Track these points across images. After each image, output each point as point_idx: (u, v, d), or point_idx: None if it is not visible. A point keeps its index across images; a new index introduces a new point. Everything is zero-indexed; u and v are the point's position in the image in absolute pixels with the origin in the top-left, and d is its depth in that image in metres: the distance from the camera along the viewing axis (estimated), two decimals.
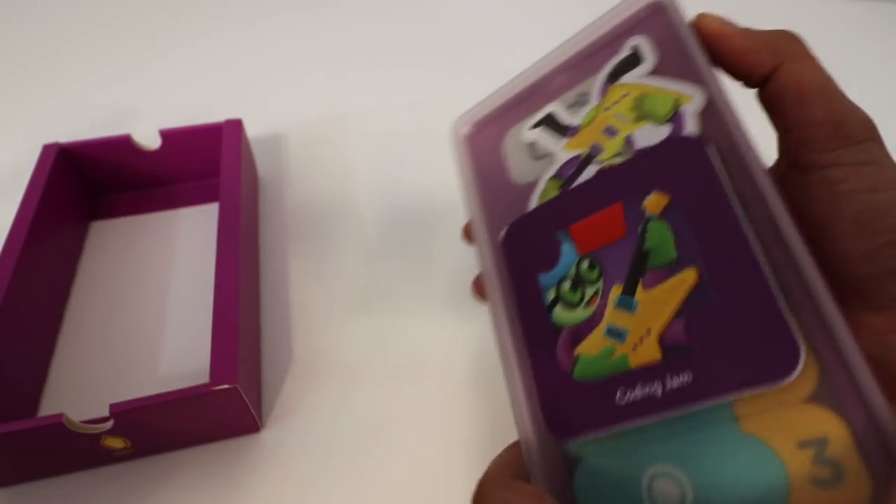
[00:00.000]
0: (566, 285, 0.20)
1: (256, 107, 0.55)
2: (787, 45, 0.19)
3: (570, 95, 0.22)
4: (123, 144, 0.43)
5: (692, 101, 0.20)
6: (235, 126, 0.44)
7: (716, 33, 0.19)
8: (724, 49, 0.19)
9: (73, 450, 0.30)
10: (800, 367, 0.15)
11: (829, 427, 0.15)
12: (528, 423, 0.19)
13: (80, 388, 0.35)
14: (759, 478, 0.15)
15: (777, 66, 0.18)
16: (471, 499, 0.18)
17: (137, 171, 0.45)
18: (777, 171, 0.20)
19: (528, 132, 0.23)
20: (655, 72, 0.20)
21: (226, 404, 0.30)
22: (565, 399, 0.19)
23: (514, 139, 0.24)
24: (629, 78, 0.21)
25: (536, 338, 0.20)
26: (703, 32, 0.19)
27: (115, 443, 0.30)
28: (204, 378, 0.29)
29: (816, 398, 0.15)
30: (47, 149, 0.41)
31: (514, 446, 0.20)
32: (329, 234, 0.44)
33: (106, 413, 0.28)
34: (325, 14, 0.68)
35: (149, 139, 0.43)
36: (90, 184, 0.45)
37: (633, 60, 0.21)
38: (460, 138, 0.26)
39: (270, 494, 0.31)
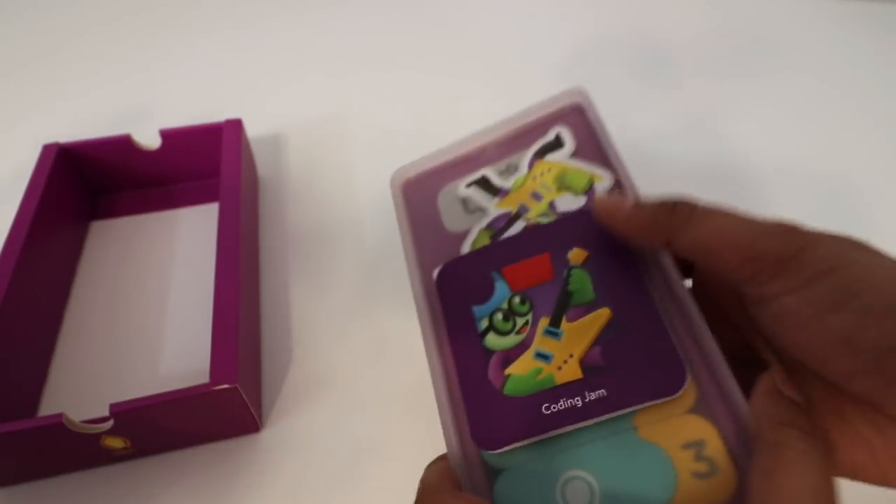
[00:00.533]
0: (499, 316, 0.24)
1: (256, 107, 0.55)
2: (669, 219, 0.20)
3: (502, 164, 0.28)
4: (123, 144, 0.43)
5: (603, 182, 0.25)
6: (235, 126, 0.44)
7: (608, 216, 0.22)
8: (619, 230, 0.22)
9: (73, 450, 0.30)
10: (685, 385, 0.20)
11: (706, 433, 0.20)
12: (453, 436, 0.22)
13: (80, 388, 0.35)
14: (654, 473, 0.20)
15: (670, 239, 0.20)
16: None
17: (137, 171, 0.45)
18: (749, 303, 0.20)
19: (463, 189, 0.28)
20: (575, 154, 0.27)
21: (226, 404, 0.30)
22: (495, 412, 0.22)
23: (448, 194, 0.28)
24: (553, 157, 0.27)
25: (468, 360, 0.24)
26: (599, 214, 0.22)
27: (115, 443, 0.30)
28: (204, 378, 0.29)
29: (696, 410, 0.20)
30: (47, 149, 0.41)
31: (443, 462, 0.21)
32: (329, 233, 0.44)
33: (106, 413, 0.28)
34: (326, 14, 0.68)
35: (149, 139, 0.43)
36: (90, 184, 0.45)
37: (557, 144, 0.27)
38: (398, 187, 0.29)
39: (270, 494, 0.31)
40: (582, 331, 0.23)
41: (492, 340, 0.24)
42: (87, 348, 0.37)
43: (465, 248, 0.26)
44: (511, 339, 0.23)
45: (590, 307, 0.23)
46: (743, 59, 0.60)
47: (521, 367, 0.23)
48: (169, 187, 0.47)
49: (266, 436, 0.33)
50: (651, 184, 0.47)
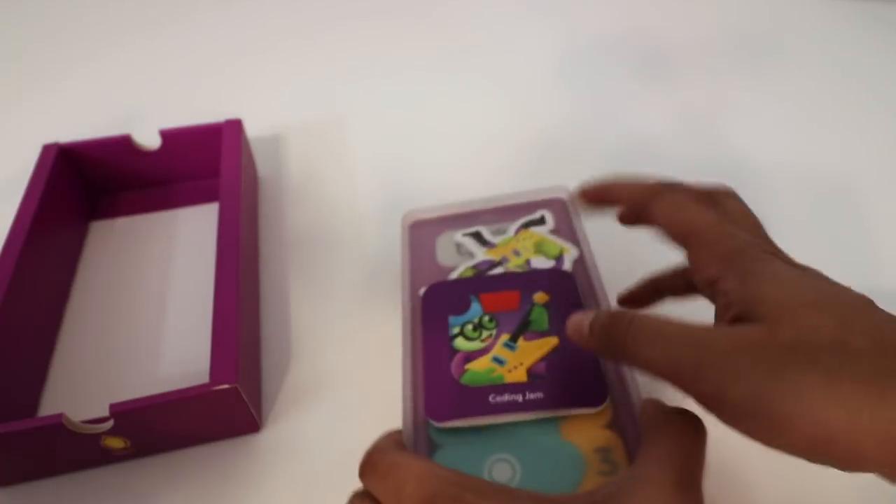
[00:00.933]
0: (469, 326, 0.31)
1: (256, 107, 0.55)
2: (612, 341, 0.22)
3: (494, 226, 0.36)
4: (123, 144, 0.43)
5: (570, 253, 0.34)
6: (235, 126, 0.44)
7: (574, 336, 0.23)
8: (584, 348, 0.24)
9: (73, 450, 0.30)
10: (605, 403, 0.27)
11: (614, 442, 0.26)
12: (409, 411, 0.27)
13: (80, 388, 0.35)
14: (567, 465, 0.25)
15: (618, 360, 0.22)
16: (359, 467, 0.21)
17: (137, 171, 0.45)
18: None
19: (460, 236, 0.36)
20: (553, 231, 0.35)
21: (225, 404, 0.30)
22: (449, 395, 0.27)
23: (445, 237, 0.36)
24: (535, 229, 0.35)
25: (436, 353, 0.30)
26: (569, 331, 0.24)
27: (115, 443, 0.30)
28: (204, 378, 0.29)
29: (609, 426, 0.26)
30: (47, 149, 0.41)
31: (395, 432, 0.24)
32: (329, 233, 0.44)
33: (106, 413, 0.28)
34: (326, 14, 0.68)
35: (149, 139, 0.43)
36: (90, 184, 0.45)
37: (541, 221, 0.36)
38: (406, 225, 0.37)
39: (270, 494, 0.31)
40: (533, 348, 0.29)
41: (459, 343, 0.30)
42: (87, 348, 0.37)
43: (452, 277, 0.34)
44: (475, 344, 0.30)
45: (543, 334, 0.30)
46: (743, 59, 0.60)
47: (479, 365, 0.29)
48: (169, 187, 0.47)
49: (266, 436, 0.33)
50: None
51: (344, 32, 0.65)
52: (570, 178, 0.48)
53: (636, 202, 0.25)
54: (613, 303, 0.32)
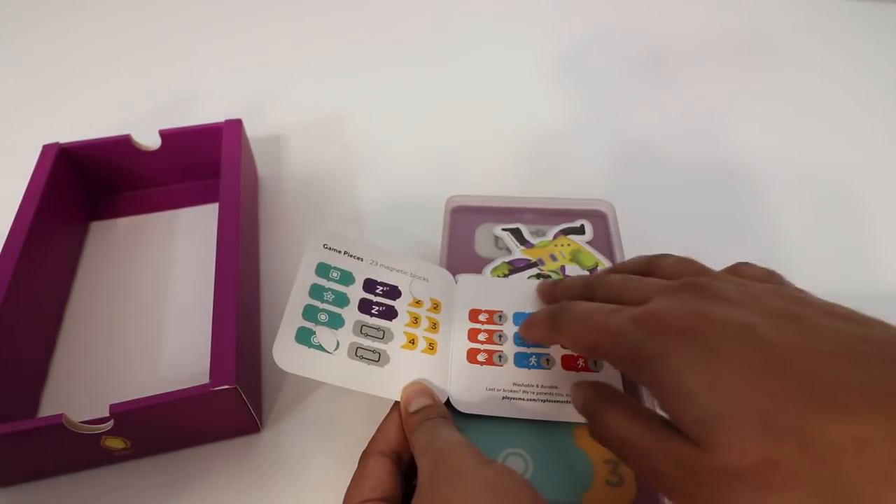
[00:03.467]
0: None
1: (256, 107, 0.55)
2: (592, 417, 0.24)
3: (534, 227, 0.37)
4: (123, 144, 0.43)
5: (604, 267, 0.34)
6: (235, 126, 0.44)
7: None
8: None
9: (73, 450, 0.30)
10: None
11: None
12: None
13: (80, 388, 0.35)
14: (577, 470, 0.27)
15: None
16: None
17: (137, 171, 0.45)
18: None
19: (500, 230, 0.37)
20: (590, 242, 0.36)
21: (225, 405, 0.30)
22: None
23: (485, 228, 0.37)
24: (573, 238, 0.36)
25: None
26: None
27: (115, 443, 0.30)
28: (204, 378, 0.29)
29: None
30: (47, 149, 0.41)
31: (389, 423, 0.27)
32: None
33: (106, 413, 0.28)
34: (326, 14, 0.68)
35: (149, 139, 0.43)
36: (90, 184, 0.45)
37: (580, 230, 0.37)
38: (449, 209, 0.38)
39: (270, 494, 0.31)
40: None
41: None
42: (87, 348, 0.37)
43: (487, 270, 0.34)
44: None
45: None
46: (743, 59, 0.60)
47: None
48: (169, 187, 0.47)
49: (266, 436, 0.33)
50: (651, 182, 0.47)
51: (344, 33, 0.65)
52: (570, 178, 0.48)
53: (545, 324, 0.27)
54: None
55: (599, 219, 0.37)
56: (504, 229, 0.36)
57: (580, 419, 0.25)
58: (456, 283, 0.33)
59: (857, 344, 0.17)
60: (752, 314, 0.19)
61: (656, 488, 0.24)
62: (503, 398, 0.28)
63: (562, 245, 0.36)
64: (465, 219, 0.37)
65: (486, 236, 0.36)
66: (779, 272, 0.23)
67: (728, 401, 0.17)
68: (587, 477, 0.26)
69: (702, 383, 0.18)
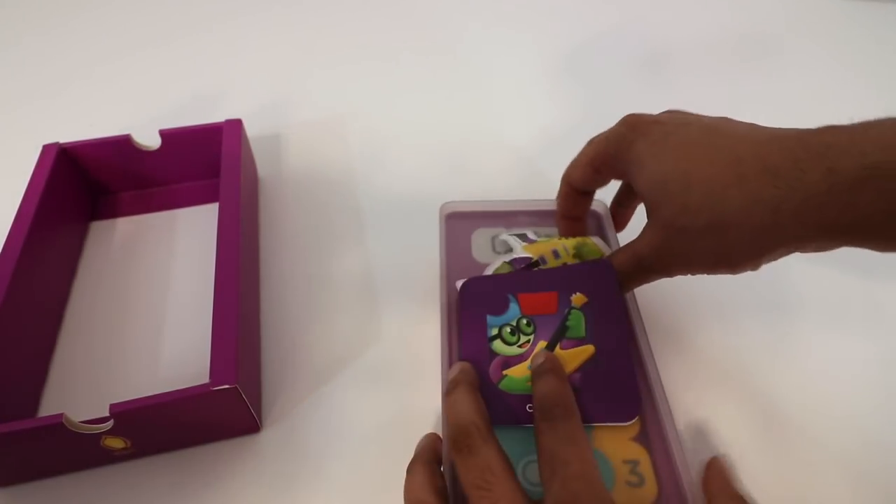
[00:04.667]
0: (507, 329, 0.30)
1: (256, 107, 0.55)
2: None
3: (531, 229, 0.37)
4: (123, 144, 0.43)
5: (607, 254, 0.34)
6: (235, 126, 0.44)
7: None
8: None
9: (73, 450, 0.30)
10: (636, 419, 0.27)
11: (641, 456, 0.27)
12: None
13: (80, 388, 0.35)
14: None
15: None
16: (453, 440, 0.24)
17: (137, 171, 0.45)
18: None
19: (504, 234, 0.37)
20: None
21: (225, 404, 0.30)
22: (488, 399, 0.27)
23: (481, 233, 0.37)
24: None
25: (475, 355, 0.29)
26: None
27: (115, 443, 0.30)
28: (204, 378, 0.29)
29: (637, 438, 0.27)
30: (47, 149, 0.41)
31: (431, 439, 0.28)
32: (328, 233, 0.44)
33: (106, 413, 0.28)
34: (327, 16, 0.68)
35: (149, 139, 0.43)
36: (90, 184, 0.45)
37: None
38: (443, 216, 0.38)
39: (270, 494, 0.31)
40: (569, 358, 0.29)
41: (498, 346, 0.30)
42: (87, 348, 0.37)
43: (487, 273, 0.34)
44: (513, 350, 0.29)
45: (580, 342, 0.29)
46: (743, 59, 0.60)
47: (517, 372, 0.29)
48: (169, 187, 0.47)
49: (266, 436, 0.33)
50: None
51: (344, 34, 0.65)
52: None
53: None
54: (642, 309, 0.33)
55: (594, 220, 0.38)
56: (510, 234, 0.36)
57: (598, 422, 0.27)
58: (458, 287, 0.33)
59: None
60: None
61: None
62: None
63: (565, 240, 0.35)
64: (459, 225, 0.37)
65: (483, 241, 0.36)
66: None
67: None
68: (607, 478, 0.26)
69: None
